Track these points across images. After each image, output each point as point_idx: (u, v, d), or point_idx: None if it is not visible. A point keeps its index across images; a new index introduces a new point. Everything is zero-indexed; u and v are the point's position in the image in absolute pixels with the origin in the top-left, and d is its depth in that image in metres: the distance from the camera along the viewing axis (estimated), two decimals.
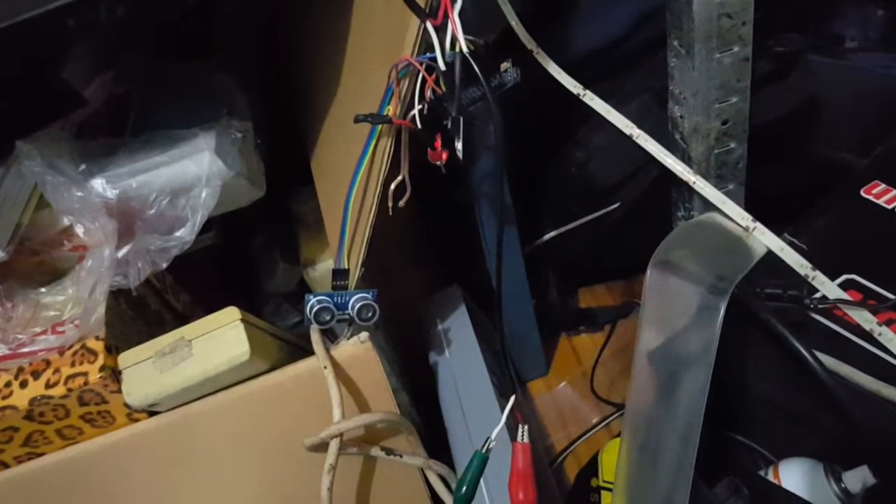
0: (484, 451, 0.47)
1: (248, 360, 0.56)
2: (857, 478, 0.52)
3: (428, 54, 0.47)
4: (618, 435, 0.72)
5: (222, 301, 0.64)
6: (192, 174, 0.62)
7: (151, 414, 0.60)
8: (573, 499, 0.71)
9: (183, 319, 0.74)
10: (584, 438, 0.82)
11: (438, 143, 0.53)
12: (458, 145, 0.46)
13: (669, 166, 0.65)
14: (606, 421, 0.83)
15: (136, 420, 0.60)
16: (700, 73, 0.58)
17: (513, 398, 0.47)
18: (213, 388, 0.58)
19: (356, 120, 0.50)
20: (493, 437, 0.47)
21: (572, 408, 0.86)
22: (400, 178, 0.56)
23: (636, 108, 0.69)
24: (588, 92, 0.63)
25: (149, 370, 0.57)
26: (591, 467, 0.68)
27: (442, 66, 0.46)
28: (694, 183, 0.63)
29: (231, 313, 0.57)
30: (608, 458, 0.67)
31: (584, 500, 0.68)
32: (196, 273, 0.81)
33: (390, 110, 0.51)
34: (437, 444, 0.68)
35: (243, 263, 0.95)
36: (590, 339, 0.91)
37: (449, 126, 0.47)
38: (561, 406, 0.87)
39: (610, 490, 0.66)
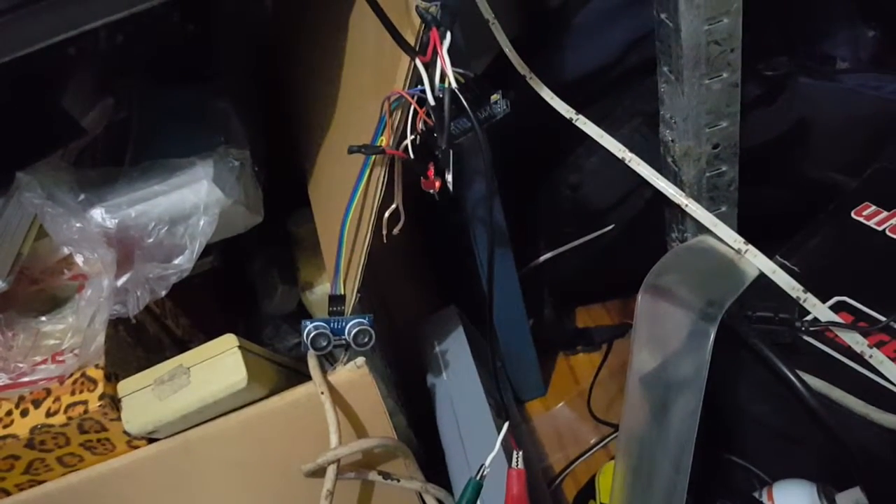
0: (478, 478, 0.48)
1: (246, 386, 0.57)
2: (851, 499, 0.52)
3: (419, 87, 0.48)
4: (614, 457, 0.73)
5: (222, 324, 0.65)
6: (191, 203, 0.63)
7: (151, 441, 0.60)
8: None
9: (182, 344, 0.75)
10: (581, 459, 0.82)
11: (431, 171, 0.54)
12: (448, 177, 0.47)
13: (662, 189, 0.65)
14: (604, 442, 0.83)
15: (136, 447, 0.60)
16: (690, 98, 0.58)
17: (506, 426, 0.47)
18: (212, 414, 0.59)
19: (350, 151, 0.51)
20: (486, 464, 0.47)
21: (570, 428, 0.86)
22: (394, 206, 0.56)
23: (628, 132, 0.70)
24: (581, 116, 0.64)
25: (148, 398, 0.58)
26: (589, 489, 0.69)
27: (431, 101, 0.46)
28: (686, 206, 0.64)
29: (228, 340, 0.58)
30: (605, 480, 0.67)
31: None
32: (195, 297, 0.82)
33: (383, 141, 0.52)
34: (436, 463, 0.69)
35: (242, 286, 0.96)
36: (587, 359, 0.91)
37: (440, 157, 0.48)
38: (559, 427, 0.87)
39: None
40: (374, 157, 0.53)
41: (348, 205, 0.56)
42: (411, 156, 0.52)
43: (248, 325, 0.94)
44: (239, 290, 0.96)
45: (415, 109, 0.49)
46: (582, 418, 0.87)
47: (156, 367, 0.59)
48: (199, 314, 0.81)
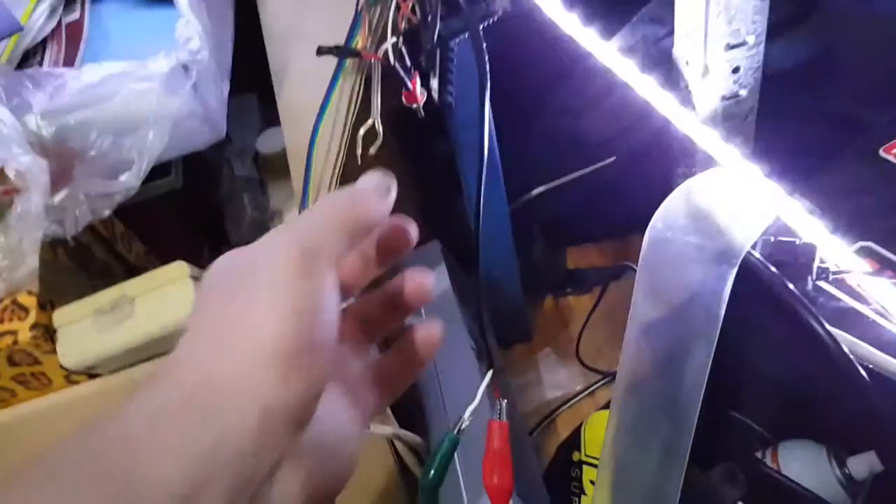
0: (455, 432, 0.42)
1: None
2: (864, 464, 0.48)
3: None
4: (603, 406, 0.68)
5: (184, 252, 0.58)
6: (139, 112, 0.55)
7: (92, 377, 0.54)
8: (553, 473, 0.67)
9: (135, 272, 0.68)
10: (566, 407, 0.78)
11: (415, 82, 0.46)
12: (433, 83, 0.40)
13: (671, 117, 0.59)
14: (591, 389, 0.78)
15: (76, 383, 0.54)
16: (711, 6, 0.51)
17: (489, 374, 0.41)
18: (160, 350, 0.53)
19: (319, 52, 0.44)
20: (466, 416, 0.42)
21: (556, 375, 0.81)
22: (370, 122, 0.49)
23: (637, 53, 0.63)
24: (588, 30, 0.57)
25: (87, 329, 0.52)
26: (573, 440, 0.64)
27: None
28: (698, 136, 0.57)
29: (178, 269, 0.52)
30: (591, 431, 0.62)
31: (565, 474, 0.64)
32: (152, 221, 0.75)
33: (359, 42, 0.45)
34: (412, 411, 0.64)
35: (209, 211, 0.89)
36: (577, 302, 0.85)
37: (424, 61, 0.41)
38: (544, 372, 0.82)
39: (592, 465, 0.62)
40: (347, 62, 0.46)
41: (317, 119, 0.49)
42: (392, 61, 0.45)
43: (214, 255, 0.87)
44: (205, 216, 0.89)
45: (397, 3, 0.42)
46: (569, 364, 0.82)
47: (96, 295, 0.52)
48: (157, 240, 0.74)
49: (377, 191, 0.29)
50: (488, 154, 0.64)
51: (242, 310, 0.24)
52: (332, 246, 0.26)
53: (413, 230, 0.32)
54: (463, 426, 0.43)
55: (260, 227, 0.86)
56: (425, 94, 0.47)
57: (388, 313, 0.34)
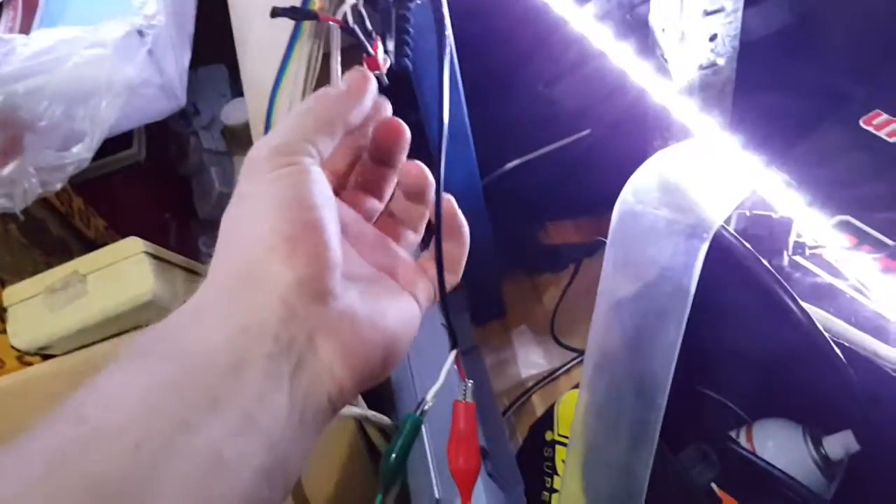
0: (418, 414, 0.40)
1: (153, 299, 0.48)
2: (840, 443, 0.46)
3: None
4: (576, 385, 0.67)
5: (149, 228, 0.56)
6: (91, 80, 0.53)
7: (46, 357, 0.52)
8: (526, 452, 0.66)
9: (95, 248, 0.66)
10: (541, 386, 0.76)
11: (376, 47, 0.44)
12: (389, 45, 0.37)
13: (648, 87, 0.57)
14: (566, 367, 0.77)
15: (29, 364, 0.52)
16: None
17: (452, 354, 0.40)
18: (116, 329, 0.51)
19: (273, 14, 0.41)
20: (429, 398, 0.40)
21: (531, 352, 0.80)
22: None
23: (613, 22, 0.60)
24: None
25: (38, 308, 0.50)
26: (546, 419, 0.63)
27: None
28: (675, 107, 0.55)
29: (132, 245, 0.49)
30: (564, 410, 0.61)
31: (537, 453, 0.62)
32: (115, 195, 0.72)
33: (316, 3, 0.42)
34: (389, 394, 0.62)
35: (176, 185, 0.86)
36: (553, 279, 0.84)
37: (382, 23, 0.38)
38: (519, 350, 0.80)
39: (564, 444, 0.61)
40: (304, 25, 0.43)
41: (274, 85, 0.46)
42: (351, 23, 0.42)
43: (182, 231, 0.85)
44: (172, 191, 0.87)
45: None
46: (544, 342, 0.80)
47: (47, 272, 0.50)
48: (118, 215, 0.72)
49: (351, 86, 0.31)
50: (457, 124, 0.62)
51: (243, 218, 0.28)
52: (303, 141, 0.29)
53: (403, 126, 0.34)
54: (426, 408, 0.41)
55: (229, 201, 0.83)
56: (388, 61, 0.45)
57: (378, 169, 0.36)
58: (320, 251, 0.28)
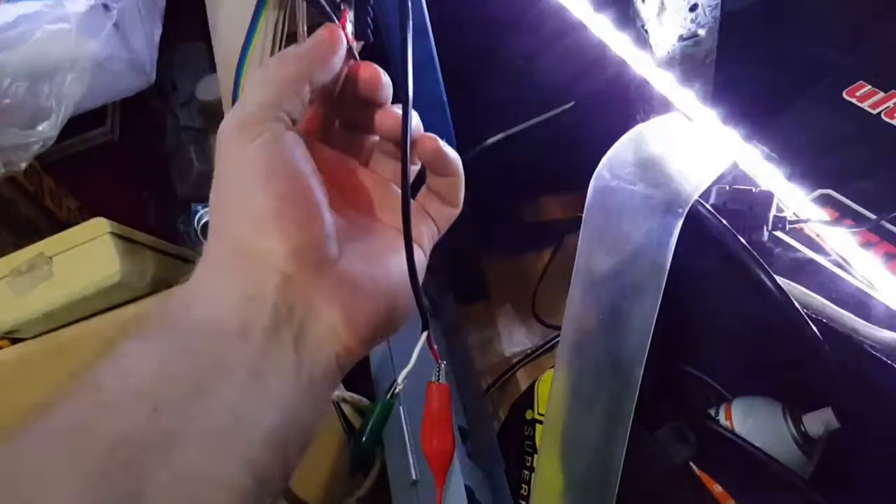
0: (389, 396, 0.39)
1: (120, 281, 0.47)
2: (819, 421, 0.46)
3: None
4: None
5: (126, 208, 0.55)
6: (55, 55, 0.51)
7: (14, 341, 0.51)
8: (507, 431, 0.65)
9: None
10: (523, 364, 0.76)
11: (345, 17, 0.43)
12: (349, 15, 0.36)
13: (629, 60, 0.56)
14: (548, 345, 0.76)
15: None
16: None
17: (424, 335, 0.39)
18: (84, 312, 0.50)
19: None
20: (399, 381, 0.39)
21: (513, 331, 0.79)
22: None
23: None
24: None
25: (3, 291, 0.48)
26: (527, 398, 0.62)
27: None
28: (655, 79, 0.54)
29: (98, 225, 0.48)
30: (544, 388, 0.60)
31: (518, 432, 0.62)
32: (89, 175, 0.71)
33: None
34: (361, 374, 0.61)
35: (154, 164, 0.85)
36: (535, 257, 0.83)
37: None
38: (502, 329, 0.80)
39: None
40: None
41: (241, 57, 0.45)
42: None
43: (160, 210, 0.83)
44: (149, 169, 0.85)
45: None
46: (526, 320, 0.79)
47: (12, 255, 0.49)
48: (92, 195, 0.71)
49: (315, 43, 0.31)
50: (433, 100, 0.60)
51: (229, 197, 0.28)
52: (269, 108, 0.29)
53: (380, 72, 0.33)
54: (396, 390, 0.40)
55: (209, 179, 0.82)
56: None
57: (366, 104, 0.34)
58: (310, 220, 0.28)
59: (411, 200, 0.34)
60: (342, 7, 0.43)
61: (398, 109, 0.34)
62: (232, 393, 0.25)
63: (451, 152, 0.35)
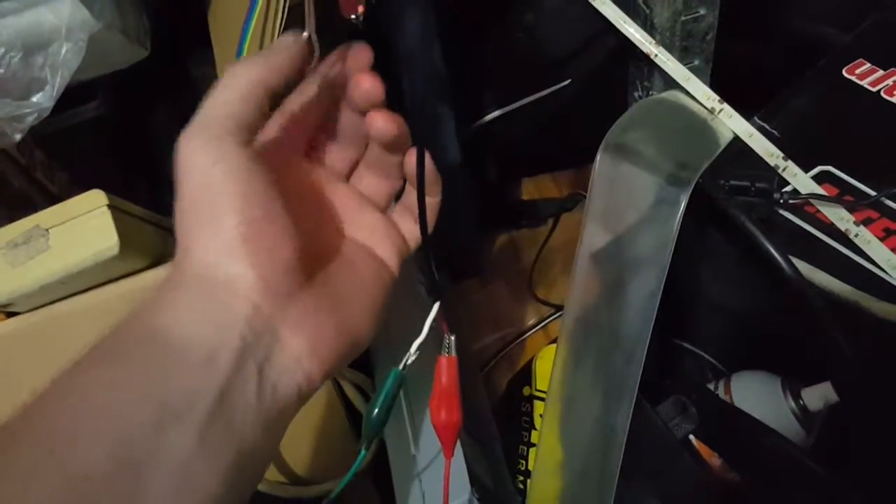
0: (402, 367, 0.39)
1: (119, 254, 0.47)
2: (818, 395, 0.46)
3: None
4: (554, 340, 0.66)
5: (116, 184, 0.54)
6: (50, 25, 0.50)
7: (9, 315, 0.51)
8: (503, 408, 0.65)
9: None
10: (518, 342, 0.76)
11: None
12: None
13: (629, 35, 0.55)
14: (543, 323, 0.77)
15: None
16: None
17: (436, 306, 0.39)
18: (81, 286, 0.49)
19: None
20: (412, 351, 0.39)
21: (508, 309, 0.79)
22: (305, 34, 0.45)
23: None
24: None
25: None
26: (524, 375, 0.62)
27: None
28: (655, 56, 0.54)
29: (95, 197, 0.47)
30: (542, 365, 0.61)
31: (515, 409, 0.62)
32: (79, 149, 0.70)
33: None
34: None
35: (144, 140, 0.84)
36: (531, 235, 0.83)
37: None
38: (497, 307, 0.80)
39: (542, 399, 0.61)
40: None
41: (242, 37, 0.44)
42: None
43: (151, 188, 0.82)
44: (141, 145, 0.84)
45: None
46: (522, 298, 0.80)
47: (7, 227, 0.48)
48: (84, 169, 0.70)
49: (271, 51, 0.31)
50: (435, 72, 0.60)
51: (196, 218, 0.28)
52: (226, 119, 0.28)
53: (370, 82, 0.33)
54: (409, 361, 0.40)
55: None
56: (364, 4, 0.43)
57: (352, 117, 0.35)
58: (279, 247, 0.28)
59: (383, 217, 0.35)
60: None
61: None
62: (194, 428, 0.25)
63: (437, 174, 0.36)
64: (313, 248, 0.31)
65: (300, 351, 0.28)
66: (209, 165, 0.27)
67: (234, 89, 0.29)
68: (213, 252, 0.27)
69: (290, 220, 0.29)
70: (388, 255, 0.35)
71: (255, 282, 0.27)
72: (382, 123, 0.34)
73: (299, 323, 0.28)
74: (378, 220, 0.36)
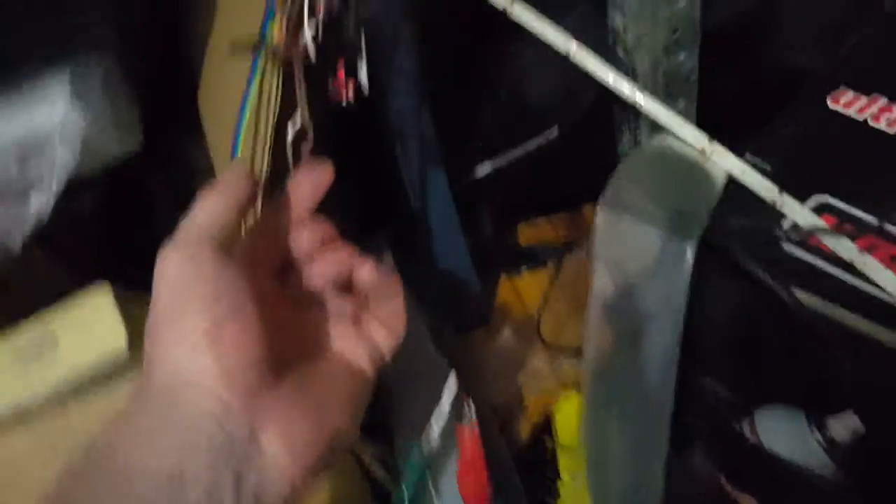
0: (426, 444, 0.39)
1: (128, 350, 0.47)
2: (844, 424, 0.46)
3: None
4: (568, 386, 0.66)
5: (117, 274, 0.55)
6: (44, 128, 0.51)
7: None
8: (525, 462, 0.65)
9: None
10: (532, 389, 0.75)
11: (341, 72, 0.43)
12: (362, 71, 0.36)
13: (611, 86, 0.56)
14: (555, 368, 0.76)
15: None
16: None
17: (452, 375, 0.39)
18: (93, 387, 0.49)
19: (231, 51, 0.40)
20: (433, 423, 0.39)
21: (518, 356, 0.79)
22: (298, 126, 0.45)
23: (573, 20, 0.60)
24: (517, 4, 0.54)
25: (8, 370, 0.47)
26: (544, 426, 0.62)
27: None
28: (640, 103, 0.55)
29: (100, 293, 0.48)
30: (562, 416, 0.60)
31: (538, 462, 0.62)
32: (79, 243, 0.69)
33: (274, 34, 0.41)
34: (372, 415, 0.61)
35: (141, 225, 0.84)
36: (533, 279, 0.83)
37: (348, 47, 0.37)
38: (505, 355, 0.79)
39: (565, 451, 0.60)
40: (263, 58, 0.42)
41: (237, 126, 0.45)
42: (312, 57, 0.41)
43: (149, 275, 0.82)
44: (141, 231, 0.84)
45: None
46: (530, 343, 0.79)
47: (14, 331, 0.48)
48: (84, 262, 0.69)
49: (220, 181, 0.32)
50: (425, 138, 0.61)
51: (164, 322, 0.28)
52: (207, 227, 0.29)
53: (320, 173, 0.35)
54: (432, 437, 0.40)
55: None
56: (354, 87, 0.44)
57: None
58: (246, 344, 0.28)
59: (354, 327, 0.35)
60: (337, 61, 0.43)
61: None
62: None
63: (391, 273, 0.36)
64: (284, 351, 0.30)
65: (277, 450, 0.27)
66: (181, 265, 0.28)
67: (206, 205, 0.30)
68: (177, 354, 0.27)
69: (257, 319, 0.29)
70: (363, 363, 0.34)
71: (221, 375, 0.27)
72: (369, 275, 0.35)
73: (272, 419, 0.28)
74: (348, 331, 0.35)
